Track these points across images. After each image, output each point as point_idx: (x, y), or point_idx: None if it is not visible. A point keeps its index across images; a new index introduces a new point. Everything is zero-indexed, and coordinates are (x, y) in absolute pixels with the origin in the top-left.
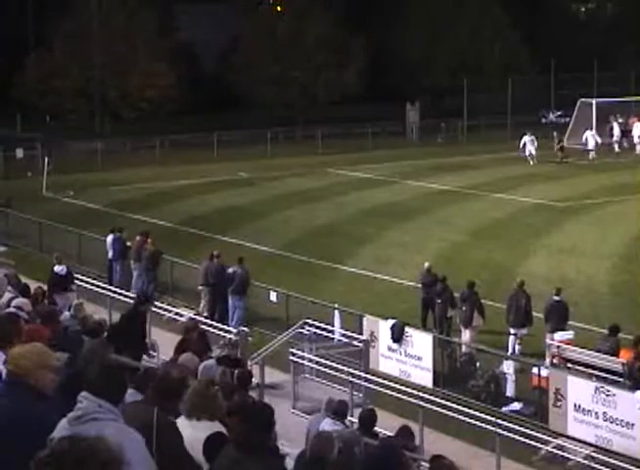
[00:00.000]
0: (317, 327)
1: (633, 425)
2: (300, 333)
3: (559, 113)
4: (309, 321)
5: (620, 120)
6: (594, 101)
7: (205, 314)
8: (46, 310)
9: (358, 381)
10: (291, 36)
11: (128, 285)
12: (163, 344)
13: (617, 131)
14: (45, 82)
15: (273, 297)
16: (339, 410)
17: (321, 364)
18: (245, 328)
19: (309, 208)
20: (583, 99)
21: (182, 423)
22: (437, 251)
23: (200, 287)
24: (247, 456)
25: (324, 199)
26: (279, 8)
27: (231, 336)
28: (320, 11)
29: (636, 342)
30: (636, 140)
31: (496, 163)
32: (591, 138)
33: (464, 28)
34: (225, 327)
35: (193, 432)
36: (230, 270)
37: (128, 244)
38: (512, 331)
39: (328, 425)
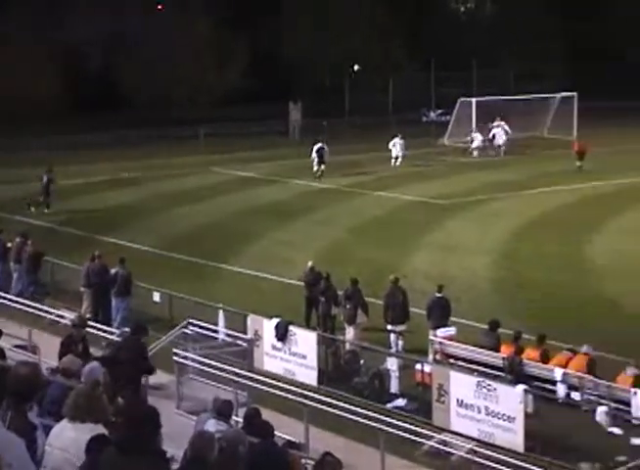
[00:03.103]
0: (201, 327)
1: (514, 419)
2: (184, 333)
3: (440, 111)
4: (193, 321)
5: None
6: (474, 100)
7: (88, 316)
8: None
9: (243, 380)
10: (174, 36)
11: (8, 287)
12: (45, 346)
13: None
14: None
15: (157, 297)
16: (223, 410)
17: (205, 364)
18: (127, 329)
19: (194, 207)
20: (463, 98)
21: (64, 426)
22: (321, 249)
23: (82, 288)
24: (129, 458)
25: (208, 198)
26: (159, 7)
27: (114, 337)
28: (202, 10)
29: (516, 337)
30: (500, 141)
31: (378, 161)
32: (477, 138)
33: (346, 28)
34: (108, 328)
35: (76, 435)
36: (112, 271)
37: (8, 245)
38: (389, 328)
39: (212, 425)
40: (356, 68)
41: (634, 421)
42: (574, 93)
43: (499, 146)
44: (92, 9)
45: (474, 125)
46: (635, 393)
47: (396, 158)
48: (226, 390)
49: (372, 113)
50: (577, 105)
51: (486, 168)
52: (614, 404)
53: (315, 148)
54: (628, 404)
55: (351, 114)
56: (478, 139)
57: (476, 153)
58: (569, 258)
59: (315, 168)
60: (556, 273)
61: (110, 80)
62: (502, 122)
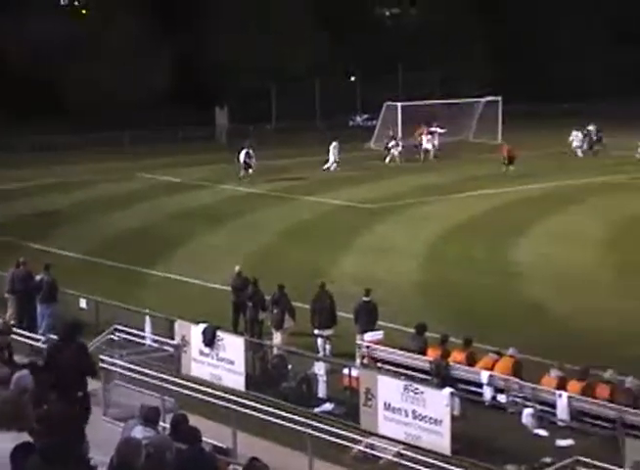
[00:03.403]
0: (128, 333)
1: (441, 422)
2: (111, 339)
3: (366, 116)
4: (119, 327)
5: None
6: (399, 104)
7: (13, 322)
8: None
9: (170, 386)
10: (97, 39)
11: None
12: None
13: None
14: None
15: (83, 303)
16: (149, 416)
17: (132, 370)
18: (54, 335)
19: (120, 212)
20: (389, 102)
21: None
22: (249, 254)
23: (6, 295)
24: (53, 467)
25: (136, 204)
26: (84, 11)
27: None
28: (126, 14)
29: (443, 340)
30: (429, 146)
31: (305, 165)
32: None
33: (273, 32)
34: (34, 335)
35: (0, 443)
36: (37, 278)
37: None
38: (317, 332)
39: (139, 432)
40: (283, 72)
41: (559, 423)
42: (499, 97)
43: (427, 150)
44: (20, 11)
45: (399, 130)
46: (560, 395)
47: (333, 162)
48: (153, 396)
49: (299, 117)
50: (502, 108)
51: (414, 172)
52: (539, 406)
53: (242, 153)
54: (554, 406)
55: (278, 118)
56: (400, 144)
57: (398, 159)
58: (495, 261)
59: (242, 174)
60: (482, 277)
61: (37, 85)
62: (436, 128)
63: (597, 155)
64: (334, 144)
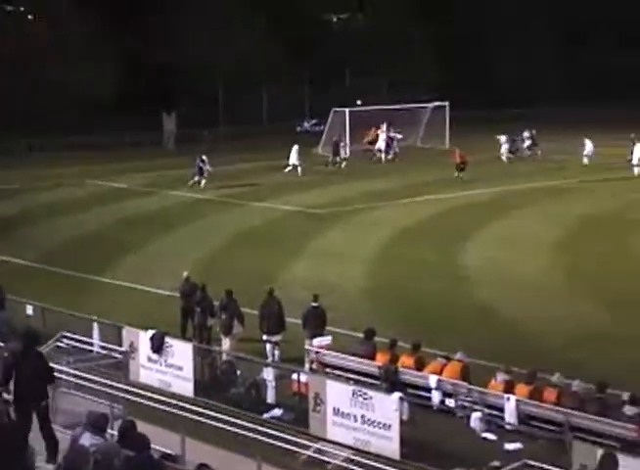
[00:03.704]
0: (75, 340)
1: (390, 426)
2: (58, 346)
3: (314, 121)
4: (67, 334)
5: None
6: (347, 110)
7: None
8: None
9: (118, 393)
10: (46, 43)
11: None
12: None
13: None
14: None
15: (29, 310)
16: (97, 423)
17: (80, 377)
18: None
19: (67, 219)
20: (337, 108)
21: None
22: (197, 259)
23: None
24: None
25: (82, 210)
26: (30, 16)
27: None
28: (73, 19)
29: (391, 345)
30: (380, 145)
31: (254, 171)
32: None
33: (221, 38)
34: None
35: None
36: None
37: None
38: (265, 338)
39: (87, 439)
40: (232, 77)
41: (507, 426)
42: (446, 103)
43: (380, 150)
44: None
45: (347, 135)
46: (508, 398)
47: (293, 166)
48: (101, 403)
49: (247, 123)
50: (450, 113)
51: (363, 178)
52: (487, 410)
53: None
54: (501, 410)
55: (226, 124)
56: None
57: (344, 164)
58: (443, 265)
59: (195, 179)
60: (431, 281)
61: None
62: (396, 134)
63: (535, 158)
64: (295, 147)
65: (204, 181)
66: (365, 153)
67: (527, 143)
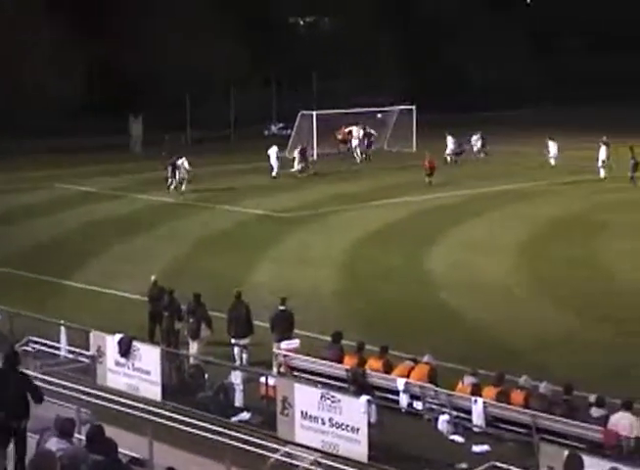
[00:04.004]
0: (42, 344)
1: (358, 429)
2: (25, 350)
3: (281, 125)
4: (34, 338)
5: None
6: (314, 113)
7: None
8: None
9: (85, 397)
10: (13, 48)
11: None
12: None
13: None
14: None
15: None
16: (64, 428)
17: (47, 382)
18: None
19: (34, 223)
20: (304, 111)
21: None
22: (165, 263)
23: None
24: None
25: (49, 213)
26: None
27: None
28: (45, 23)
29: (359, 348)
30: (355, 148)
31: (220, 174)
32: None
33: (187, 42)
34: None
35: None
36: None
37: None
38: (233, 341)
39: (54, 444)
40: (199, 81)
41: (475, 429)
42: (413, 106)
43: (354, 148)
44: None
45: (314, 138)
46: (476, 401)
47: (272, 168)
48: (69, 407)
49: (214, 126)
50: (418, 117)
51: (334, 181)
52: (455, 413)
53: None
54: (469, 413)
55: (193, 127)
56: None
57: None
58: (411, 269)
59: (169, 183)
60: (398, 284)
61: None
62: (371, 130)
63: (479, 159)
64: (274, 149)
65: (178, 183)
66: (337, 154)
67: (477, 146)
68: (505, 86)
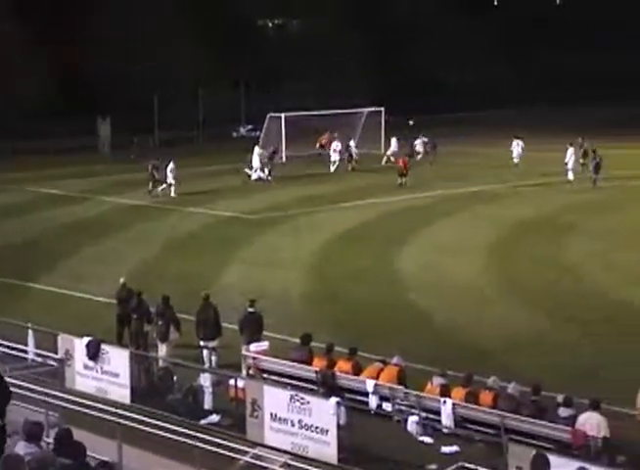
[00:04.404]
0: (9, 347)
1: (327, 431)
2: None
3: (249, 127)
4: (1, 341)
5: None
6: (283, 115)
7: None
8: None
9: (54, 400)
10: None
11: None
12: None
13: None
14: None
15: None
16: (32, 432)
17: (15, 385)
18: None
19: (2, 225)
20: (272, 113)
21: None
22: (133, 265)
23: None
24: None
25: (16, 216)
26: None
27: None
28: (11, 25)
29: (328, 350)
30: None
31: (190, 177)
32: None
33: (157, 43)
34: None
35: None
36: None
37: None
38: (202, 344)
39: (21, 448)
40: (167, 83)
41: (444, 430)
42: (382, 108)
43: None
44: None
45: (283, 140)
46: (444, 402)
47: (255, 169)
48: (37, 411)
49: (182, 128)
50: (386, 118)
51: (305, 183)
52: (424, 414)
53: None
54: (438, 413)
55: (161, 129)
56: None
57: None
58: (380, 270)
59: (149, 186)
60: (367, 286)
61: None
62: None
63: (428, 161)
64: (257, 150)
65: (167, 187)
66: (312, 156)
67: (420, 149)
68: (480, 89)
